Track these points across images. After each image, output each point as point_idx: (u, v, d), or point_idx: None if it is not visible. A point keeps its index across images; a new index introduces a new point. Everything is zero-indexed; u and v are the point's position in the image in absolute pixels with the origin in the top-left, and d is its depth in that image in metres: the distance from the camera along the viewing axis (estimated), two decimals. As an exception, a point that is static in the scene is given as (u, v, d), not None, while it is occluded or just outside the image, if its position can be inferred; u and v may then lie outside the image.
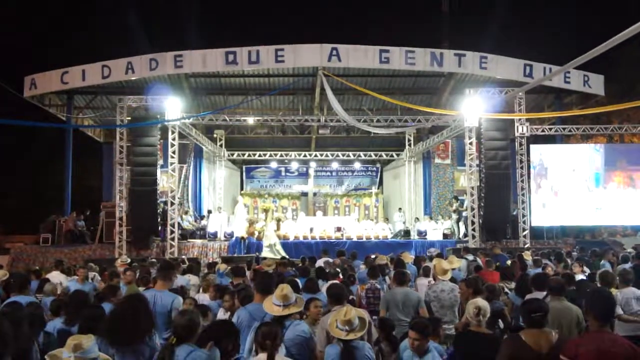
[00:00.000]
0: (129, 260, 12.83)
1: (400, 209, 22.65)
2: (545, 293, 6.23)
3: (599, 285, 7.20)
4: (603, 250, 13.32)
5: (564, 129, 19.96)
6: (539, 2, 37.36)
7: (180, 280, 8.69)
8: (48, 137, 26.56)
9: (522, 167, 17.93)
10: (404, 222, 21.85)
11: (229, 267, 10.14)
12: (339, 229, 19.17)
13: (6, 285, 8.23)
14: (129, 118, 17.68)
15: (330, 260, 11.77)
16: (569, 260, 10.96)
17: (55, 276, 10.16)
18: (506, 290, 7.95)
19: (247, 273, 9.79)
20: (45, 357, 3.56)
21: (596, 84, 19.77)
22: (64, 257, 16.14)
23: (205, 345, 4.08)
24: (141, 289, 7.61)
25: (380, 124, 19.74)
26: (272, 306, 4.81)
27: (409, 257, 11.21)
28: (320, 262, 11.50)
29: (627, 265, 9.73)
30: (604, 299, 4.00)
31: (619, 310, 6.69)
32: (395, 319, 6.29)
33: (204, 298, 7.43)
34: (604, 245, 16.54)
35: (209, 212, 21.05)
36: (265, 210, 22.85)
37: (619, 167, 19.08)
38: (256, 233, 18.29)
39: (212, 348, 3.87)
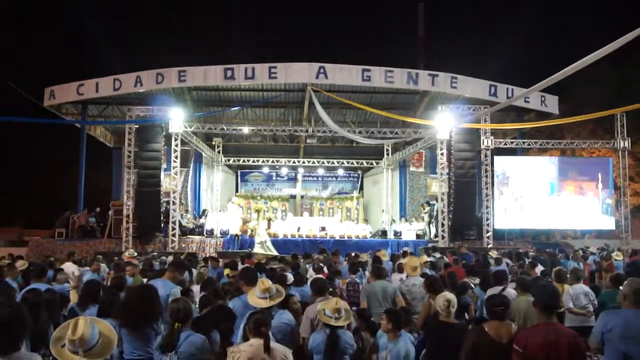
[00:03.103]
0: (135, 254, 12.78)
1: (383, 210, 22.71)
2: (502, 287, 6.35)
3: (553, 281, 7.29)
4: (556, 250, 13.55)
5: (523, 142, 20.19)
6: (506, 26, 37.85)
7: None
8: (64, 144, 26.60)
9: (486, 176, 18.04)
10: (391, 222, 21.77)
11: (226, 262, 10.12)
12: (323, 229, 19.18)
13: (25, 273, 8.19)
14: (137, 126, 17.62)
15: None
16: (526, 259, 11.10)
17: (69, 266, 10.15)
18: (471, 284, 8.03)
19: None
20: (50, 341, 3.14)
21: (552, 104, 19.97)
22: (76, 249, 15.99)
23: (200, 330, 4.15)
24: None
25: (362, 135, 19.80)
26: (257, 300, 4.82)
27: (385, 255, 11.28)
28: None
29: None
30: (550, 292, 3.96)
31: (570, 304, 6.76)
32: (375, 308, 6.34)
33: (197, 290, 7.38)
34: (557, 246, 16.79)
35: (204, 211, 20.97)
36: (258, 211, 22.90)
37: (571, 177, 19.21)
38: (249, 231, 18.29)
39: (213, 331, 3.91)
